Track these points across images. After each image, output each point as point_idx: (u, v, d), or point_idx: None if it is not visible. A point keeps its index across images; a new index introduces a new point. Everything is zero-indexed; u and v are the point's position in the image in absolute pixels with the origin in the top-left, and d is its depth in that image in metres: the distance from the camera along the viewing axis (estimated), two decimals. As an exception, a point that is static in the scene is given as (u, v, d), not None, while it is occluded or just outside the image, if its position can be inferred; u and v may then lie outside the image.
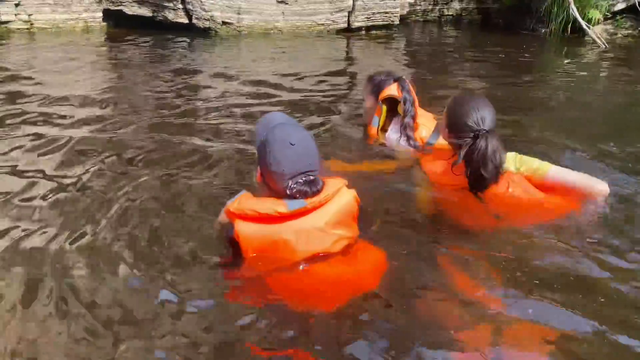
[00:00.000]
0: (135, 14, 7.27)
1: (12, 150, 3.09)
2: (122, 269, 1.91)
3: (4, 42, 6.27)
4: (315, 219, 1.74)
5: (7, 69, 5.05)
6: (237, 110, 3.98)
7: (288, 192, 1.71)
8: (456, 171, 2.08)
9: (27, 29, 6.74)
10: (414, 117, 2.87)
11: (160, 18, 7.25)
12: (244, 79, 5.00)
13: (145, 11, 7.26)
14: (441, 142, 2.55)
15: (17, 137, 3.31)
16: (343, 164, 2.79)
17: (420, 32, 9.00)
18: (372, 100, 3.04)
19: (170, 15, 7.19)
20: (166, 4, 7.11)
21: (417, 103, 2.92)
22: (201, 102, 4.33)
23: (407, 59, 6.63)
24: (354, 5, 7.79)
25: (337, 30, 7.91)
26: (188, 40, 6.90)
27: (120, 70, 5.48)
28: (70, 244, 2.07)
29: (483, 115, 2.06)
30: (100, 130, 3.49)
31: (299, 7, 7.59)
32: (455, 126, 2.14)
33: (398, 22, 8.30)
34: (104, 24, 7.31)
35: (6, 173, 2.77)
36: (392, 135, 2.95)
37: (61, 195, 2.53)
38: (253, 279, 1.81)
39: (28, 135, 3.34)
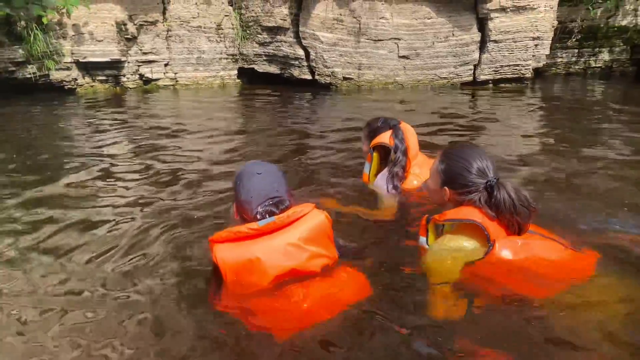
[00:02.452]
0: (265, 71, 7.81)
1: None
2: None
3: (154, 95, 7.18)
4: (287, 235, 1.76)
5: (156, 115, 5.86)
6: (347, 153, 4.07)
7: (258, 216, 1.80)
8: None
9: (173, 85, 7.61)
10: (404, 167, 2.80)
11: (287, 75, 7.69)
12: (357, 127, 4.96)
13: (274, 69, 7.77)
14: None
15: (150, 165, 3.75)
16: (334, 202, 2.79)
17: (561, 86, 8.22)
18: (367, 146, 2.99)
19: (295, 72, 7.58)
20: (292, 62, 7.53)
21: (410, 152, 2.82)
22: (319, 145, 4.45)
23: (541, 114, 6.02)
24: (480, 58, 7.48)
25: (461, 83, 7.62)
26: (311, 94, 7.19)
27: (250, 118, 5.93)
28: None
29: (485, 163, 1.88)
30: (227, 161, 3.87)
31: (421, 62, 7.50)
32: (457, 183, 1.90)
33: (531, 75, 7.73)
34: (239, 80, 7.97)
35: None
36: (380, 182, 2.88)
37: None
38: (233, 306, 1.79)
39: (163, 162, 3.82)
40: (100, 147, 4.42)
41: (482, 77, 7.56)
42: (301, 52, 7.42)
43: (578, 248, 1.88)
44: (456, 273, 1.80)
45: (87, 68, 7.22)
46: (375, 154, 2.93)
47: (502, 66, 7.51)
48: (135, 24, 7.21)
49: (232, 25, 7.74)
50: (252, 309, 1.73)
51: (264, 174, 1.88)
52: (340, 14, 7.26)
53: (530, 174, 3.44)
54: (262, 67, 7.80)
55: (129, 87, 7.45)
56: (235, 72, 7.94)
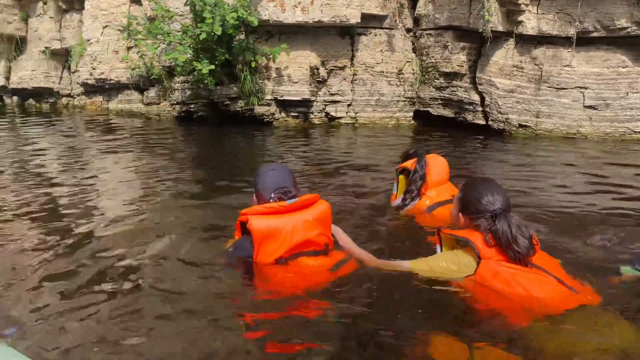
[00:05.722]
0: (439, 114, 8.08)
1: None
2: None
3: (335, 131, 8.01)
4: (305, 214, 2.35)
5: (334, 148, 6.72)
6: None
7: (271, 201, 2.37)
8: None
9: (353, 123, 8.36)
10: (419, 189, 3.31)
11: (461, 119, 7.84)
12: (532, 178, 4.96)
13: (448, 112, 7.99)
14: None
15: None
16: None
17: None
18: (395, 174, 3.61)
19: (469, 117, 7.69)
20: (467, 107, 7.67)
21: (430, 178, 3.31)
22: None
23: None
24: (685, 111, 6.64)
25: (659, 139, 6.83)
26: (483, 138, 7.22)
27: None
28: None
29: (495, 197, 2.12)
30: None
31: (612, 113, 6.96)
32: (468, 210, 2.20)
33: None
34: (413, 122, 8.37)
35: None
36: (398, 199, 3.46)
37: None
38: (259, 271, 2.34)
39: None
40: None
41: (686, 133, 6.69)
42: (476, 97, 7.53)
43: (579, 289, 2.00)
44: (440, 274, 2.16)
45: (284, 105, 8.39)
46: (401, 177, 3.51)
47: None
48: (327, 69, 8.18)
49: (413, 70, 8.23)
50: (269, 271, 2.31)
51: (276, 170, 2.53)
52: (521, 61, 7.20)
53: None
54: (437, 110, 8.09)
55: (315, 123, 8.42)
56: (411, 114, 8.37)
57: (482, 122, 7.60)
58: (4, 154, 6.23)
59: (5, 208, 3.89)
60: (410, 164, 3.40)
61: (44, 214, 3.77)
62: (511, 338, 1.87)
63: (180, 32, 7.81)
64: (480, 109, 7.57)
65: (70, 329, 1.99)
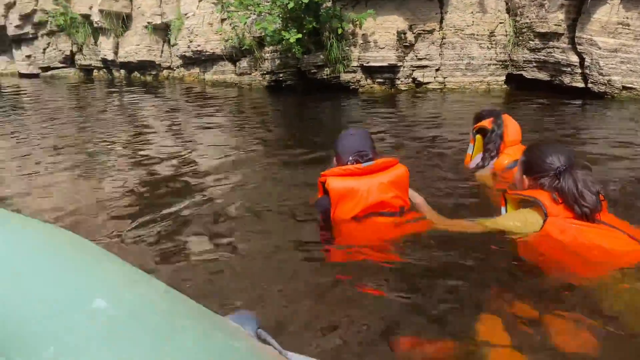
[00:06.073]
0: (534, 77, 7.68)
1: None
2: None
3: (422, 96, 7.91)
4: (381, 176, 2.44)
5: (420, 115, 6.65)
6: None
7: (349, 164, 2.48)
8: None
9: (441, 88, 8.19)
10: (498, 147, 3.30)
11: (557, 82, 7.40)
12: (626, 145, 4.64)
13: (543, 75, 7.57)
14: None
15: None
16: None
17: None
18: (470, 133, 3.56)
19: (566, 80, 7.25)
20: (564, 69, 7.22)
21: (507, 137, 3.29)
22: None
23: None
24: None
25: None
26: (580, 104, 6.80)
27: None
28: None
29: (559, 155, 2.10)
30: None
31: None
32: (532, 170, 2.19)
33: None
34: (506, 86, 8.04)
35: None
36: (476, 159, 3.45)
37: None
38: (336, 225, 2.49)
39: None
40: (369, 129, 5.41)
41: None
42: (575, 59, 7.05)
43: None
44: (508, 229, 2.15)
45: (370, 71, 8.40)
46: (478, 137, 3.45)
47: None
48: (414, 33, 8.05)
49: (506, 32, 7.86)
50: (347, 228, 2.45)
51: (355, 135, 2.63)
52: (627, 17, 6.63)
53: None
54: (532, 73, 7.69)
55: (402, 89, 8.36)
56: (503, 77, 8.03)
57: (580, 84, 7.13)
58: (120, 121, 6.92)
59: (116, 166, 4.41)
60: (487, 123, 3.38)
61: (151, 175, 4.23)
62: (579, 293, 1.87)
63: (269, 2, 8.04)
64: (579, 70, 7.10)
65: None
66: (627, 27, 6.65)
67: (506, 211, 2.26)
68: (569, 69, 7.18)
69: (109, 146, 5.38)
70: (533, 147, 2.30)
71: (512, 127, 3.36)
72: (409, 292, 2.01)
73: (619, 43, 6.70)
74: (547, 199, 2.03)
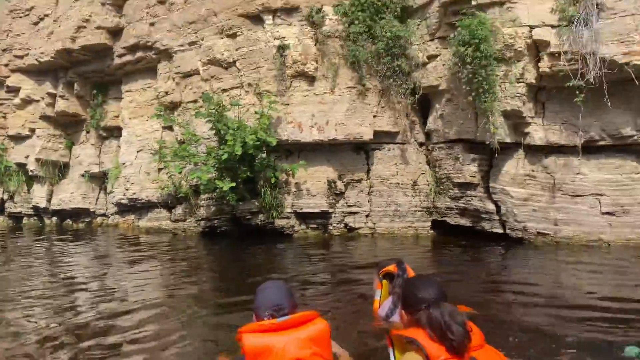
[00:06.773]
0: (457, 223, 8.11)
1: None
2: None
3: (354, 242, 8.08)
4: (298, 332, 2.30)
5: (354, 258, 6.80)
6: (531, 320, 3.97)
7: (264, 319, 2.37)
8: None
9: (371, 233, 8.45)
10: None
11: (479, 228, 7.84)
12: (547, 289, 4.92)
13: (465, 221, 8.02)
14: None
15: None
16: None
17: None
18: (376, 279, 3.70)
19: (487, 226, 7.70)
20: (483, 216, 7.71)
21: None
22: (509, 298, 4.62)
23: None
24: None
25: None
26: (501, 248, 7.16)
27: (436, 266, 6.34)
28: None
29: (429, 289, 2.22)
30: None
31: (631, 219, 6.86)
32: (408, 304, 2.27)
33: None
34: (432, 232, 8.41)
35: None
36: (384, 305, 3.53)
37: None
38: None
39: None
40: (301, 274, 5.46)
41: None
42: (491, 207, 7.58)
43: None
44: None
45: (303, 217, 8.62)
46: (384, 281, 3.63)
47: None
48: (343, 182, 8.49)
49: (427, 181, 8.45)
50: None
51: (272, 288, 2.56)
52: (532, 170, 7.34)
53: None
54: (454, 219, 8.14)
55: (334, 234, 8.55)
56: (429, 223, 8.43)
57: (499, 230, 7.57)
58: (40, 266, 6.54)
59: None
60: (392, 268, 3.56)
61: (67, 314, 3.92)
62: None
63: (205, 154, 8.38)
64: (496, 217, 7.59)
65: None
66: (533, 179, 7.33)
67: (393, 353, 2.22)
68: (487, 216, 7.66)
69: (25, 300, 5.05)
70: (408, 281, 2.43)
71: (414, 271, 3.55)
72: None
73: (528, 193, 7.31)
74: (425, 337, 2.03)
